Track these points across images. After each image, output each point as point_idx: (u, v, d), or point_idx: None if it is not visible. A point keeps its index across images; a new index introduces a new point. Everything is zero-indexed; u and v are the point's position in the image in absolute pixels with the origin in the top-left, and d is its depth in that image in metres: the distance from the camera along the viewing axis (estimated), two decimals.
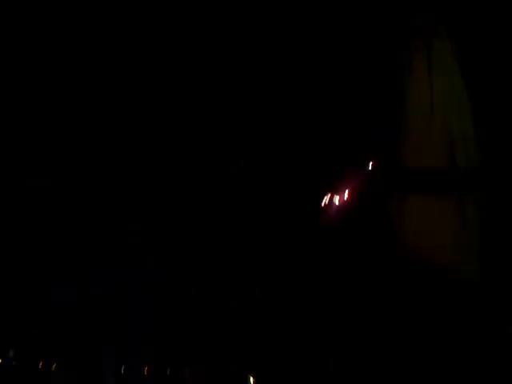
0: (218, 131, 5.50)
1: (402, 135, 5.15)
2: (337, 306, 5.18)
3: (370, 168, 5.21)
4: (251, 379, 5.07)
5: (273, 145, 5.46)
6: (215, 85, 5.50)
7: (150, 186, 5.44)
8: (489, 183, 5.08)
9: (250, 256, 5.37)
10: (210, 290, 5.33)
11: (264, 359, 5.16)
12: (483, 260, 4.86)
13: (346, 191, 5.27)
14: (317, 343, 5.18)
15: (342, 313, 5.14)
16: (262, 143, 5.45)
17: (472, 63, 5.23)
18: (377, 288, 4.95)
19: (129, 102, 5.50)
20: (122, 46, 5.46)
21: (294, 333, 5.22)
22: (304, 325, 5.23)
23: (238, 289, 5.32)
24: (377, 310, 4.89)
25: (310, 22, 5.44)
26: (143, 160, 5.49)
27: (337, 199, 5.31)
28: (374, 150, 5.20)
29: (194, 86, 5.52)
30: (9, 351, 5.05)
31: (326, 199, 5.33)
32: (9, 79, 5.39)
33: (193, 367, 5.16)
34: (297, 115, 5.49)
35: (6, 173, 5.36)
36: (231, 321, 5.26)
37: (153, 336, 5.20)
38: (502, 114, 5.21)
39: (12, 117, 5.42)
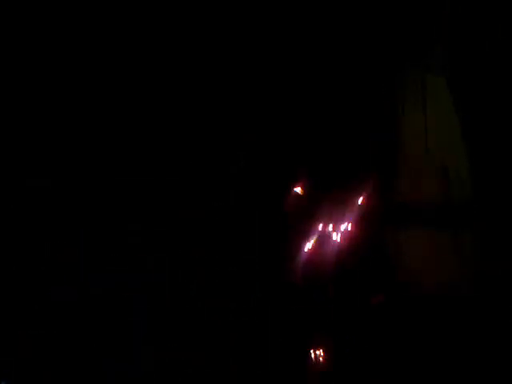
0: (217, 131, 5.50)
1: (397, 172, 5.21)
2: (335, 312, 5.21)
3: (366, 202, 5.26)
4: None
5: (273, 145, 5.46)
6: (215, 85, 5.51)
7: (149, 185, 5.45)
8: (484, 219, 5.14)
9: (250, 256, 5.38)
10: (209, 289, 5.33)
11: (264, 359, 5.17)
12: (478, 288, 4.94)
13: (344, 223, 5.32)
14: (316, 344, 5.19)
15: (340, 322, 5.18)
16: (262, 143, 5.46)
17: (466, 98, 5.27)
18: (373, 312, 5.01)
19: (128, 101, 5.50)
20: (121, 46, 5.47)
21: (294, 333, 5.22)
22: (304, 325, 5.24)
23: (238, 289, 5.32)
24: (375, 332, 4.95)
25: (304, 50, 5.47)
26: (142, 159, 5.49)
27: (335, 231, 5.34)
28: (370, 184, 5.26)
29: (193, 86, 5.53)
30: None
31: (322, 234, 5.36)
32: (9, 79, 5.40)
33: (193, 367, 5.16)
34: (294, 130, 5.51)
35: (5, 173, 5.37)
36: (231, 321, 5.26)
37: (153, 336, 5.21)
38: (496, 149, 5.25)
39: (12, 117, 5.43)
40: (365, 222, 5.21)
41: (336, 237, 5.23)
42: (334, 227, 5.23)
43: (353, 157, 5.31)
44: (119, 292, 5.23)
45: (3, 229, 5.24)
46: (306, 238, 5.27)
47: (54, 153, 5.43)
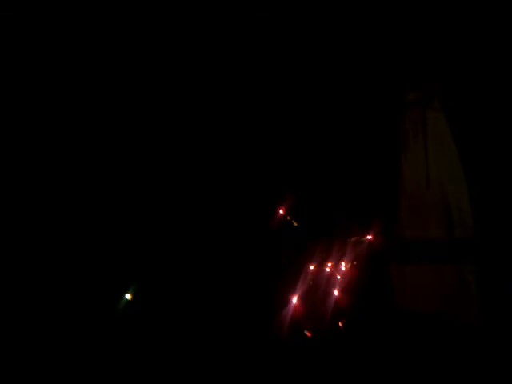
0: (217, 131, 5.50)
1: (398, 208, 5.24)
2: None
3: (369, 238, 5.30)
4: None
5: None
6: (215, 85, 5.51)
7: (147, 185, 5.45)
8: (485, 252, 5.16)
9: (250, 256, 5.38)
10: (208, 289, 5.33)
11: (264, 358, 5.18)
12: (481, 321, 4.96)
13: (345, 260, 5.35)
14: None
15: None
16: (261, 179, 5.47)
17: (466, 131, 5.30)
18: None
19: (128, 102, 5.49)
20: (122, 46, 5.46)
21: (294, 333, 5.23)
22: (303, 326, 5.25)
23: (237, 289, 5.33)
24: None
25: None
26: (140, 159, 5.49)
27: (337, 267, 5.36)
28: (372, 220, 5.29)
29: (192, 86, 5.52)
30: None
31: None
32: (9, 79, 5.39)
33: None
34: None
35: (5, 172, 5.37)
36: (230, 320, 5.27)
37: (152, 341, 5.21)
38: (496, 180, 5.28)
39: (12, 117, 5.43)
40: (366, 257, 5.26)
41: (336, 274, 5.28)
42: (332, 265, 5.30)
43: (353, 192, 5.36)
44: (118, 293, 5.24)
45: (3, 229, 5.24)
46: (304, 277, 5.30)
47: (53, 152, 5.43)
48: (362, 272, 5.23)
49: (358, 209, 5.33)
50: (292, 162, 5.42)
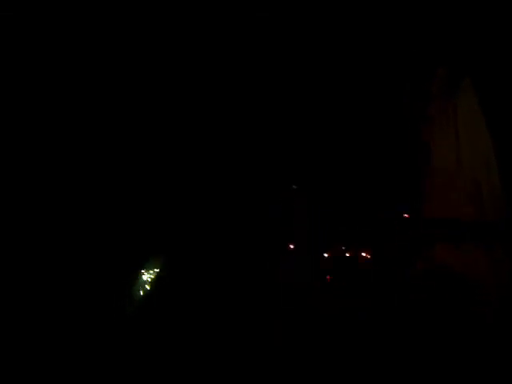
0: (217, 131, 5.50)
1: (428, 187, 5.19)
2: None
3: (397, 219, 5.28)
4: None
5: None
6: (216, 85, 5.51)
7: (145, 185, 5.44)
8: None
9: (249, 256, 5.38)
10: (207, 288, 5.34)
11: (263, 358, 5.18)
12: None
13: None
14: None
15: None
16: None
17: (497, 113, 5.26)
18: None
19: (127, 102, 5.49)
20: (122, 47, 5.45)
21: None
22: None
23: (236, 289, 5.33)
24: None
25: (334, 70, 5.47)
26: (137, 160, 5.49)
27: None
28: (401, 201, 5.26)
29: (192, 86, 5.52)
30: None
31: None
32: (9, 79, 5.38)
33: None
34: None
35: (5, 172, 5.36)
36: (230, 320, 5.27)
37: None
38: None
39: (12, 116, 5.42)
40: (394, 237, 5.24)
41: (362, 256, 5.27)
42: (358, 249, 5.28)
43: (381, 171, 5.33)
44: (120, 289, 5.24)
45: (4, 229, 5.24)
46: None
47: (53, 152, 5.43)
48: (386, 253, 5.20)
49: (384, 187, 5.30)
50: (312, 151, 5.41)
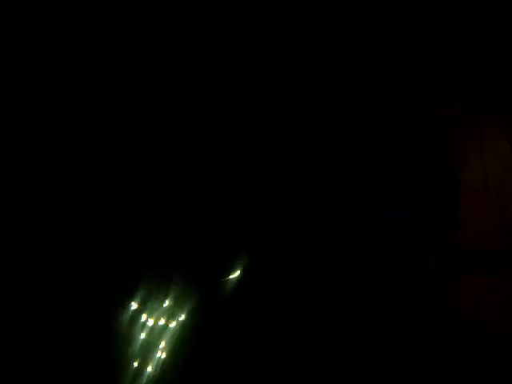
0: (216, 132, 5.50)
1: (456, 213, 5.12)
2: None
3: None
4: None
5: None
6: (215, 85, 5.51)
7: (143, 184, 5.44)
8: None
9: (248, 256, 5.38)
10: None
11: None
12: None
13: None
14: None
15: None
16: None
17: None
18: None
19: (126, 102, 5.50)
20: (122, 47, 5.46)
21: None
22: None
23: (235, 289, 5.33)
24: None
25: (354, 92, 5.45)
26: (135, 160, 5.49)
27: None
28: (427, 226, 5.23)
29: (192, 87, 5.52)
30: None
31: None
32: (9, 79, 5.39)
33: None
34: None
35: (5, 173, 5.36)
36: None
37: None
38: None
39: (11, 116, 5.43)
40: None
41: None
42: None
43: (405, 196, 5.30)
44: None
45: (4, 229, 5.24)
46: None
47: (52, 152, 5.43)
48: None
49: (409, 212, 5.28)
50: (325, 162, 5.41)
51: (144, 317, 5.16)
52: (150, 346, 5.09)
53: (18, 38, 5.41)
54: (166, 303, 5.20)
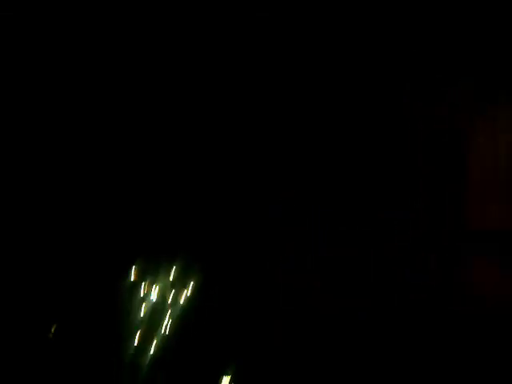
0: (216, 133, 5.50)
1: (462, 196, 5.10)
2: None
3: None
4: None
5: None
6: (215, 86, 5.51)
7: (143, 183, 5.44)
8: None
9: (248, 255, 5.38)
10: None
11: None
12: None
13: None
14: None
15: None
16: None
17: None
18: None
19: (127, 102, 5.50)
20: (121, 46, 5.46)
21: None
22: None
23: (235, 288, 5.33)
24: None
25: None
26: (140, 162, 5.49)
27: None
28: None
29: (192, 87, 5.52)
30: None
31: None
32: (9, 79, 5.39)
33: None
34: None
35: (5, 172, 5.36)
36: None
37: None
38: None
39: (11, 116, 5.43)
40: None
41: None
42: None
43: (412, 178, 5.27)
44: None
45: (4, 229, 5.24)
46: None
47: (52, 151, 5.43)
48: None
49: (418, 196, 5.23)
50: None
51: (145, 292, 5.13)
52: (151, 324, 5.05)
53: (18, 38, 5.41)
54: (170, 278, 5.16)
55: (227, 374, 4.97)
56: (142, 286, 5.16)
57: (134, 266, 5.16)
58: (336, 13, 5.43)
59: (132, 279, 5.16)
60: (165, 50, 5.49)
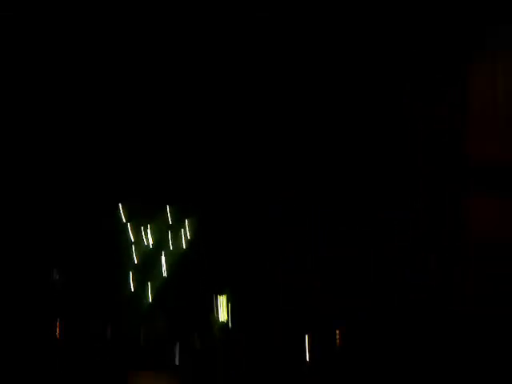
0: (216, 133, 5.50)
1: (465, 127, 4.97)
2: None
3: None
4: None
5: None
6: (215, 86, 5.51)
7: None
8: None
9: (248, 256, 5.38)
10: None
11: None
12: None
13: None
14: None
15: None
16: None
17: None
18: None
19: (127, 102, 5.49)
20: (121, 46, 5.46)
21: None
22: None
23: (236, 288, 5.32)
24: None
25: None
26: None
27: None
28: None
29: (191, 87, 5.52)
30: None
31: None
32: (9, 79, 5.39)
33: None
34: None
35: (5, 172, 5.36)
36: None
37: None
38: None
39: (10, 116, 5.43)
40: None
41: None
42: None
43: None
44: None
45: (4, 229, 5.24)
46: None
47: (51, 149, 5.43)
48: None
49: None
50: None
51: (138, 235, 5.07)
52: (147, 268, 5.00)
53: (18, 38, 5.41)
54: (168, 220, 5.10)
55: (224, 310, 4.95)
56: (130, 229, 5.09)
57: (121, 207, 5.09)
58: (336, 13, 5.43)
59: (123, 221, 5.08)
60: (165, 50, 5.49)
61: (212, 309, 5.00)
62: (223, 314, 4.95)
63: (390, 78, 5.42)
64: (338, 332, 5.20)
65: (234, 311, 5.03)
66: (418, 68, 5.37)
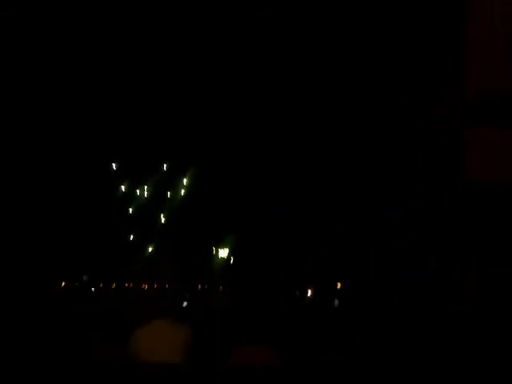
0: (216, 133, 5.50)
1: (463, 55, 4.89)
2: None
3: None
4: None
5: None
6: (215, 86, 5.51)
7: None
8: None
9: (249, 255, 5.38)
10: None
11: None
12: None
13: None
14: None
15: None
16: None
17: None
18: None
19: (128, 103, 5.50)
20: (121, 46, 5.46)
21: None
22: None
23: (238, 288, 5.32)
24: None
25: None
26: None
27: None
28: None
29: (192, 87, 5.52)
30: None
31: None
32: (9, 79, 5.38)
33: None
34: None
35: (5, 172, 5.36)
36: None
37: None
38: None
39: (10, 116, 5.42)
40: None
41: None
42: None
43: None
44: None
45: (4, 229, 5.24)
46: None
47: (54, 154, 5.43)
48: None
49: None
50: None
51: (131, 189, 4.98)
52: (148, 218, 4.92)
53: (18, 38, 5.40)
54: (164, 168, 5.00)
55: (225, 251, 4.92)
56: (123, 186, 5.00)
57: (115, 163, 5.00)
58: (337, 14, 5.43)
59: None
60: (165, 51, 5.49)
61: (211, 256, 4.95)
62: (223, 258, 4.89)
63: (390, 77, 5.42)
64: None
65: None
66: (418, 68, 5.38)
